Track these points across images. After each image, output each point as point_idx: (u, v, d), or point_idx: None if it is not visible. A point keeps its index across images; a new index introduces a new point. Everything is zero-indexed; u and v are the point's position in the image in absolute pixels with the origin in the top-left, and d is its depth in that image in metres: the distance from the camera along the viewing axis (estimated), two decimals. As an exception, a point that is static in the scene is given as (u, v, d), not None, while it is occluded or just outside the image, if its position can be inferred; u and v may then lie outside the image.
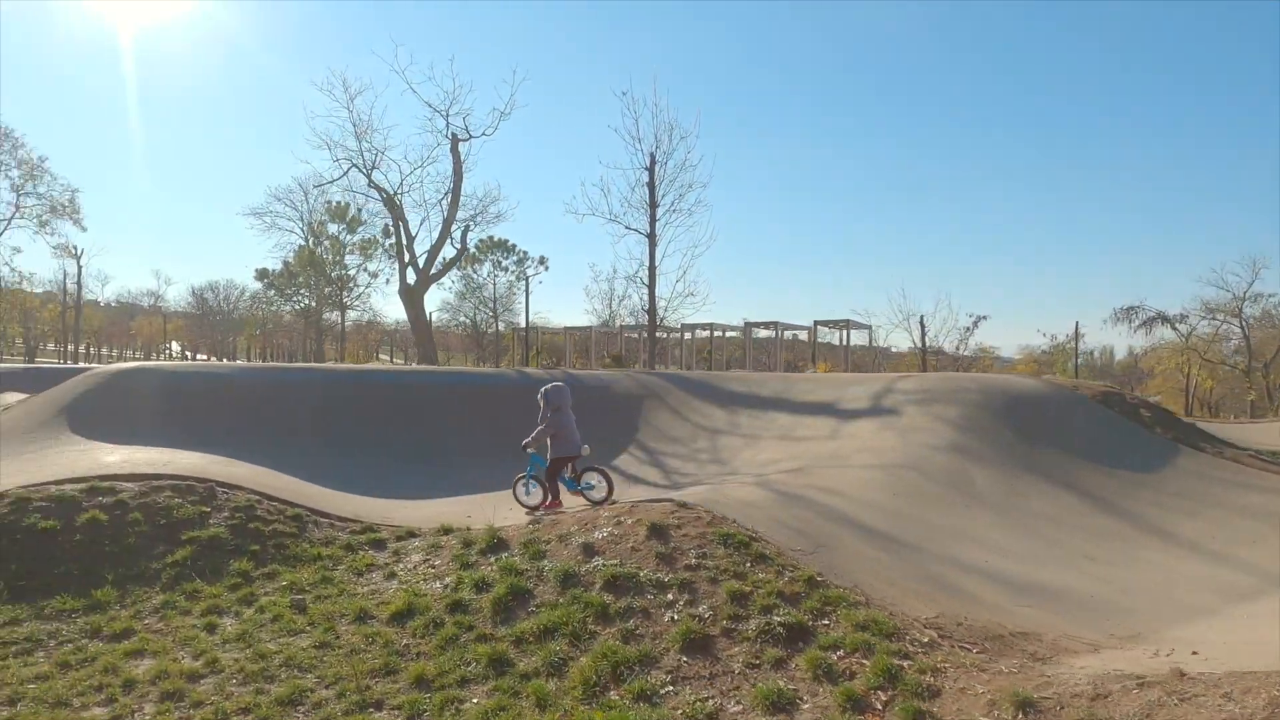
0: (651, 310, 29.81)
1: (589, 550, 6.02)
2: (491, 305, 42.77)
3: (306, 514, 7.84)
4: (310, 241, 42.22)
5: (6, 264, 33.29)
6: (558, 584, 5.68)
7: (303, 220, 50.37)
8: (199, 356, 79.40)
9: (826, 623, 4.75)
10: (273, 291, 44.56)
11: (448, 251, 27.25)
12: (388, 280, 44.06)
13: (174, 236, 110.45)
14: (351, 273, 43.53)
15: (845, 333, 37.13)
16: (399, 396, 12.37)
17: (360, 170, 25.51)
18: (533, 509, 8.00)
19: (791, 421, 10.12)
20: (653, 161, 30.09)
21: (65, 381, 10.87)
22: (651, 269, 29.39)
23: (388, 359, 75.57)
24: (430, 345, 25.89)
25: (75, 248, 35.33)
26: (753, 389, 11.59)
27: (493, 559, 6.43)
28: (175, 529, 6.95)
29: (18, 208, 31.71)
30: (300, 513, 7.80)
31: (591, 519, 6.61)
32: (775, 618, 4.75)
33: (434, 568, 6.63)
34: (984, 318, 30.83)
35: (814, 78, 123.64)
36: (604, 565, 5.72)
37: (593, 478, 7.89)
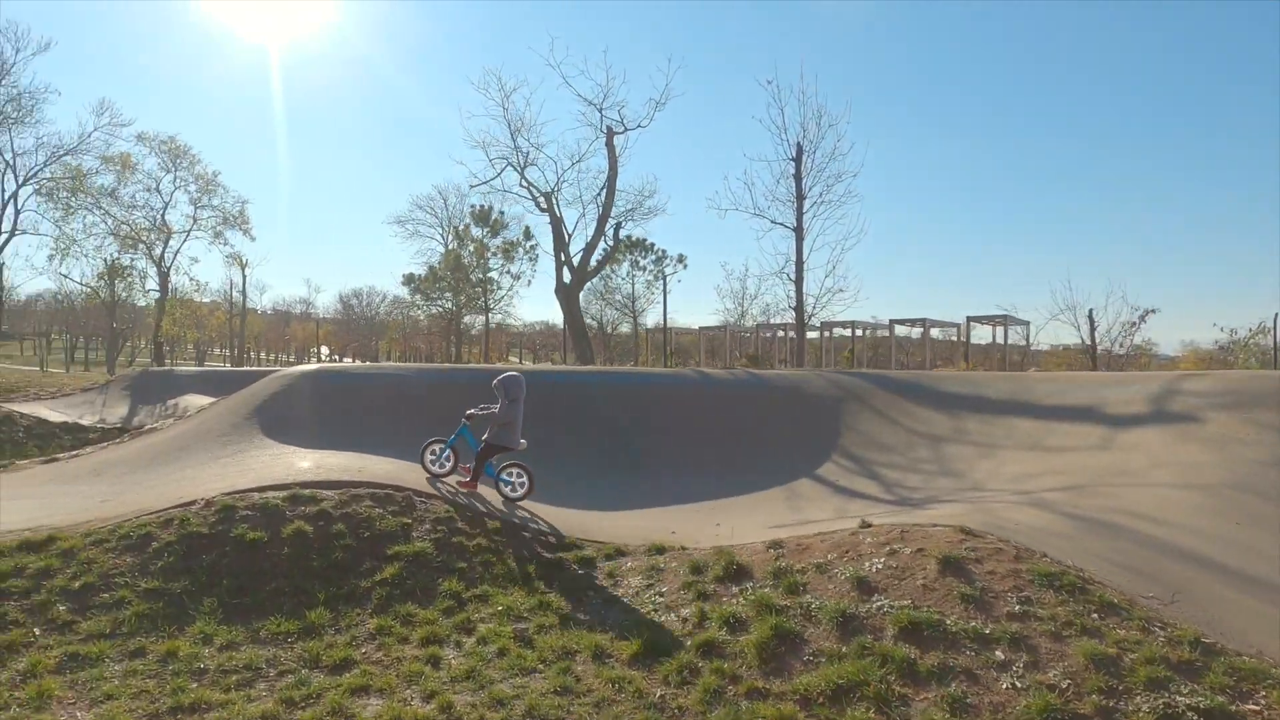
0: (799, 307, 28.40)
1: (864, 586, 4.98)
2: (628, 305, 42.38)
3: (506, 527, 7.20)
4: (455, 244, 43.24)
5: (186, 273, 35.73)
6: (834, 628, 4.67)
7: (442, 226, 52.09)
8: (345, 359, 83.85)
9: (1256, 708, 3.50)
10: (418, 295, 45.94)
11: (593, 248, 26.76)
12: (529, 282, 44.53)
13: (323, 247, 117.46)
14: (494, 275, 44.26)
15: (1003, 329, 34.35)
16: (577, 398, 11.74)
17: (515, 168, 25.45)
18: (437, 477, 7.99)
19: (1037, 428, 8.72)
20: (799, 152, 28.64)
21: (254, 383, 10.86)
22: (799, 264, 27.98)
23: (516, 360, 77.11)
24: (587, 345, 25.49)
25: (243, 257, 37.62)
26: (977, 390, 10.20)
27: (736, 589, 5.50)
28: (379, 543, 6.41)
29: (195, 220, 34.01)
30: (499, 525, 7.16)
31: (851, 545, 5.56)
32: (1179, 698, 3.54)
33: (661, 595, 5.77)
34: (1152, 311, 27.53)
35: (969, 61, 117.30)
36: (892, 607, 4.66)
37: (513, 473, 7.93)
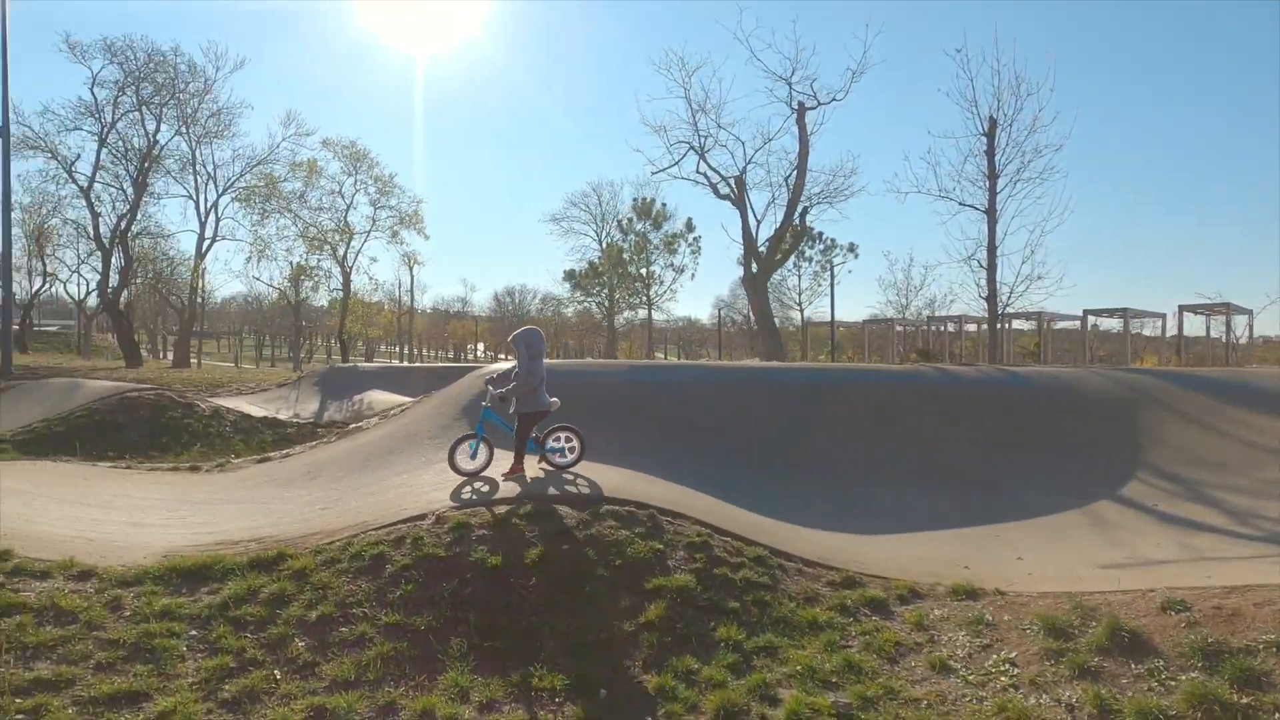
0: (991, 296, 25.75)
1: (1384, 687, 3.40)
2: (794, 297, 40.62)
3: (768, 554, 6.02)
4: (617, 238, 42.90)
5: (365, 272, 37.21)
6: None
7: (596, 222, 52.32)
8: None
9: None
10: (578, 291, 46.14)
11: (782, 235, 24.88)
12: (692, 275, 43.49)
13: (479, 247, 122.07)
14: (656, 270, 43.68)
15: (1225, 319, 29.99)
16: (794, 399, 10.45)
17: (696, 152, 24.39)
18: (473, 474, 6.92)
19: None
20: (992, 126, 25.93)
21: (457, 382, 10.34)
22: (990, 249, 25.33)
23: (661, 356, 76.67)
24: (776, 340, 24.03)
25: (418, 255, 38.85)
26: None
27: (1139, 669, 4.04)
28: (635, 574, 5.39)
29: (374, 221, 35.46)
30: (761, 553, 5.99)
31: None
32: None
33: (1014, 666, 4.39)
34: None
35: (1186, 19, 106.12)
36: None
37: (559, 438, 7.04)
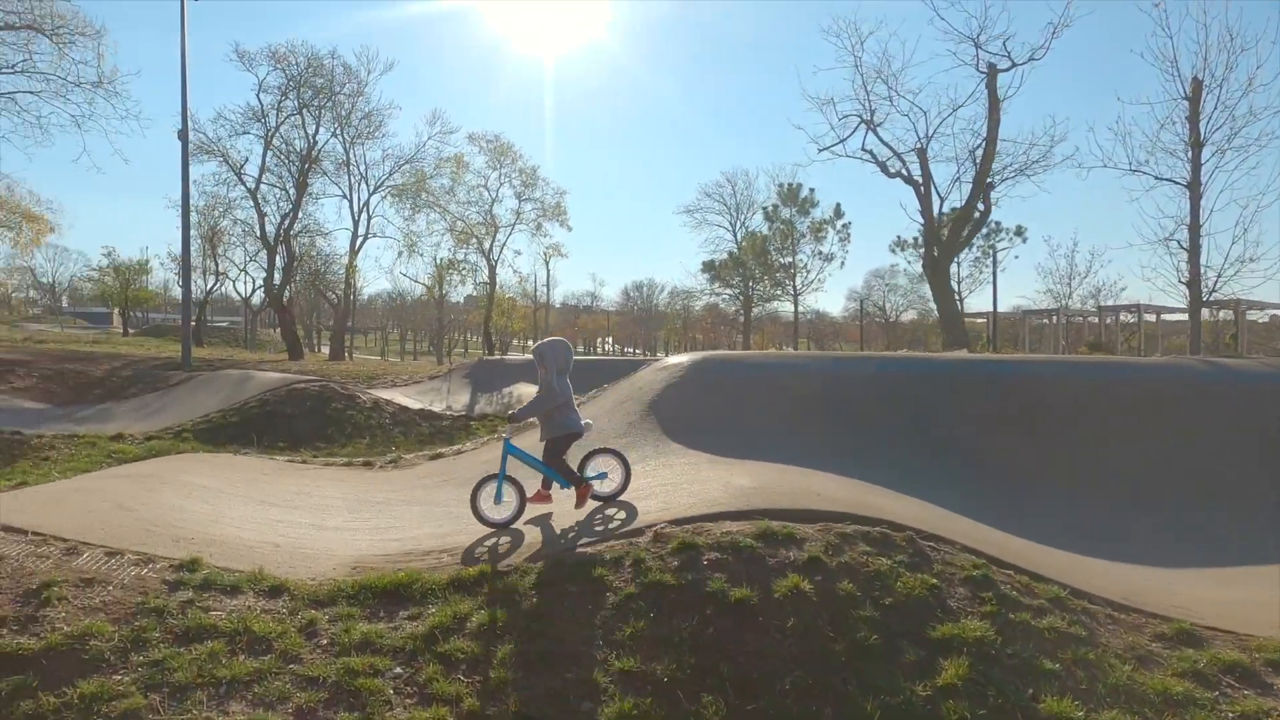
0: (1194, 281, 22.83)
1: None
2: (953, 285, 37.82)
3: (1066, 594, 4.76)
4: (757, 227, 41.37)
5: (509, 265, 37.34)
6: None
7: (730, 213, 51.06)
8: (629, 350, 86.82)
9: None
10: (717, 283, 45.05)
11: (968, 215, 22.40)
12: (842, 263, 41.40)
13: (607, 243, 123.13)
14: (803, 258, 41.97)
15: None
16: (1007, 395, 8.99)
17: (867, 125, 22.73)
18: (503, 525, 5.75)
19: None
20: (1196, 87, 22.91)
21: (635, 375, 9.53)
22: (1193, 228, 22.39)
23: (789, 350, 74.30)
24: (960, 329, 21.99)
25: (561, 247, 38.69)
26: None
27: None
28: (910, 617, 4.28)
29: (519, 214, 35.71)
30: (1059, 593, 4.74)
31: None
32: None
33: None
34: None
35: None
36: None
37: (602, 463, 6.08)
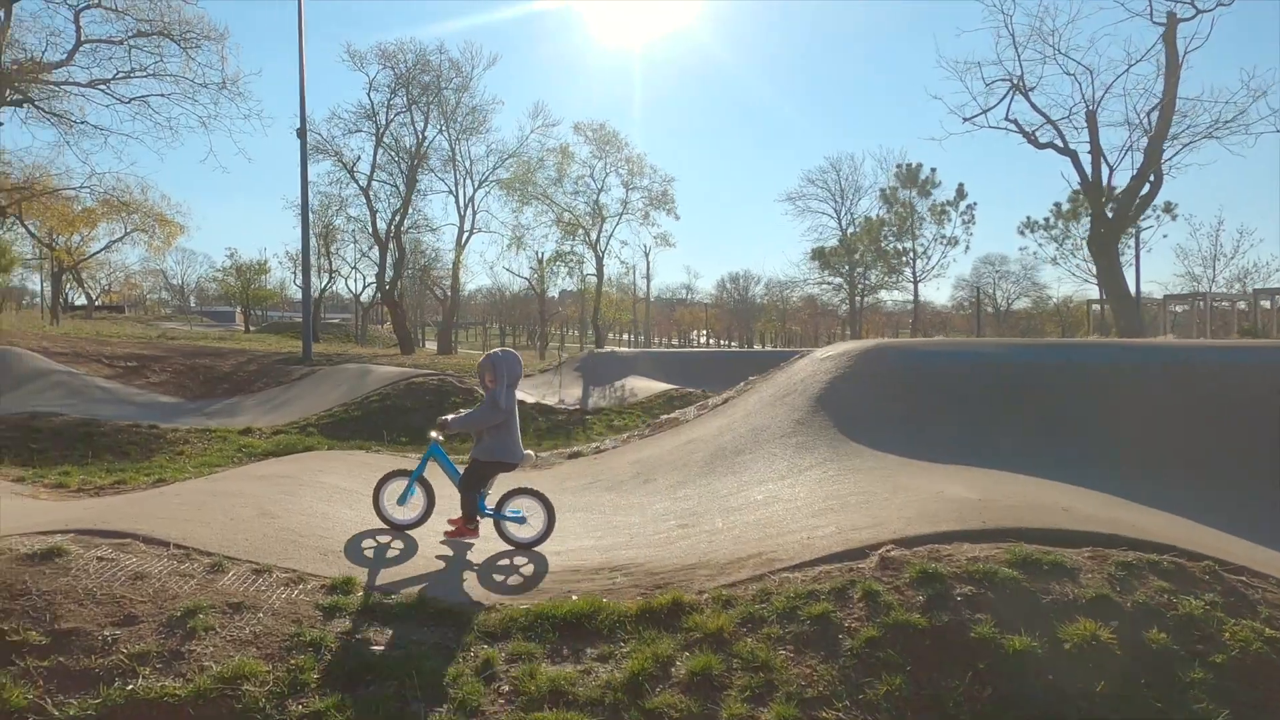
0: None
1: None
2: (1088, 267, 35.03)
3: None
4: (870, 211, 39.29)
5: (616, 256, 36.71)
6: None
7: (834, 199, 49.12)
8: (725, 343, 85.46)
9: None
10: (827, 270, 43.32)
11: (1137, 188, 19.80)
12: (966, 248, 38.98)
13: (701, 235, 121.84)
14: (923, 244, 39.75)
15: None
16: (1245, 388, 7.61)
17: (1019, 90, 20.83)
18: (402, 528, 5.22)
19: None
20: None
21: (793, 364, 8.62)
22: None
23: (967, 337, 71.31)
24: (1134, 310, 19.73)
25: (668, 236, 37.63)
26: None
27: None
28: (1252, 682, 3.24)
29: (625, 203, 35.14)
30: None
31: None
32: None
33: None
34: None
35: None
36: None
37: (523, 504, 5.20)
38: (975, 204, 38.66)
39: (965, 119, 21.46)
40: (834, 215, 49.09)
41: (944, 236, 38.56)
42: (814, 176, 50.11)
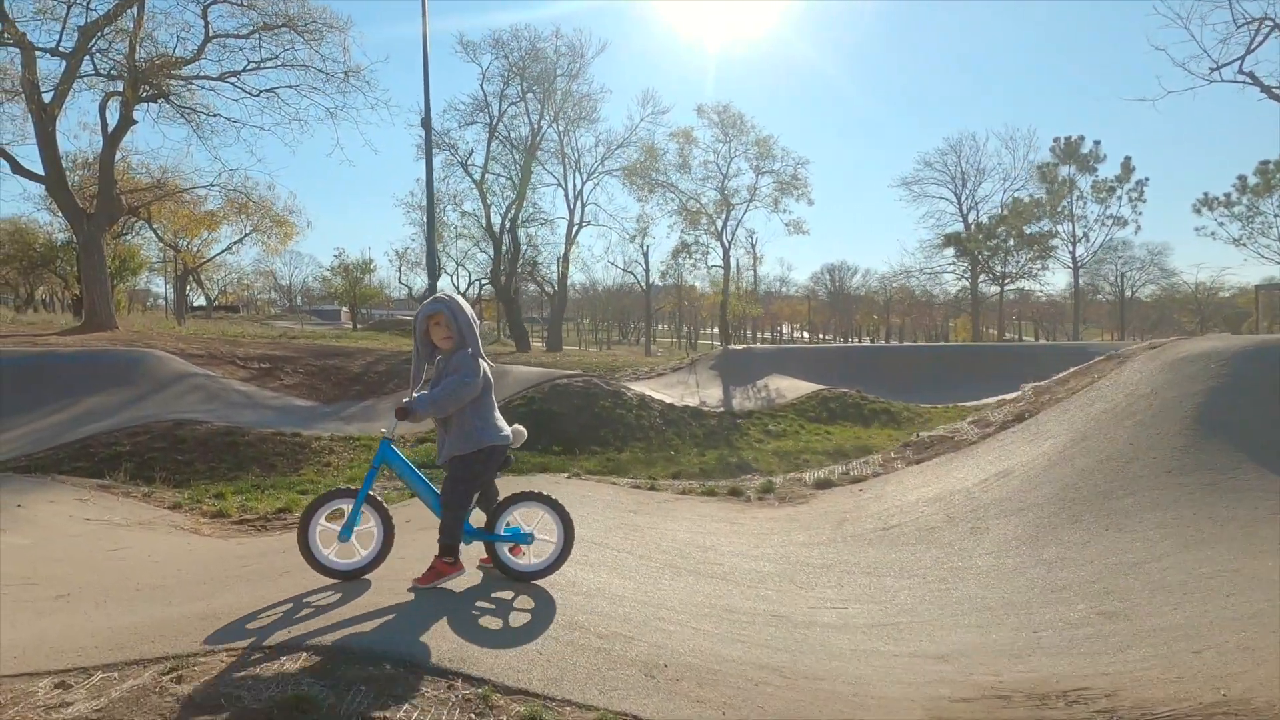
0: None
1: None
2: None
3: None
4: (1011, 193, 35.81)
5: (743, 246, 34.41)
6: None
7: (954, 182, 45.90)
8: (822, 337, 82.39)
9: None
10: (963, 257, 40.26)
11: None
12: (1136, 228, 35.22)
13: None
14: (1085, 227, 36.14)
15: None
16: None
17: None
18: (347, 575, 3.63)
19: None
20: None
21: (1121, 367, 6.73)
22: None
23: (1018, 338, 66.64)
24: None
25: (802, 223, 35.03)
26: None
27: None
28: None
29: (754, 189, 33.18)
30: None
31: None
32: None
33: None
34: None
35: None
36: None
37: (525, 515, 3.74)
38: (1146, 179, 34.80)
39: (1212, 69, 18.64)
40: (954, 199, 45.96)
41: (1109, 217, 34.96)
42: (931, 159, 47.05)
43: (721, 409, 17.56)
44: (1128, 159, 34.17)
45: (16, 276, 46.73)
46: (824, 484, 6.55)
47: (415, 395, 3.64)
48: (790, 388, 19.46)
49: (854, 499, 6.05)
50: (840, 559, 4.82)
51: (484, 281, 48.46)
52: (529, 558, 3.76)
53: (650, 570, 4.38)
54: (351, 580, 3.64)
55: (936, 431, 7.08)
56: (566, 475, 7.22)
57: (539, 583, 3.71)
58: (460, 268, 47.85)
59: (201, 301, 62.85)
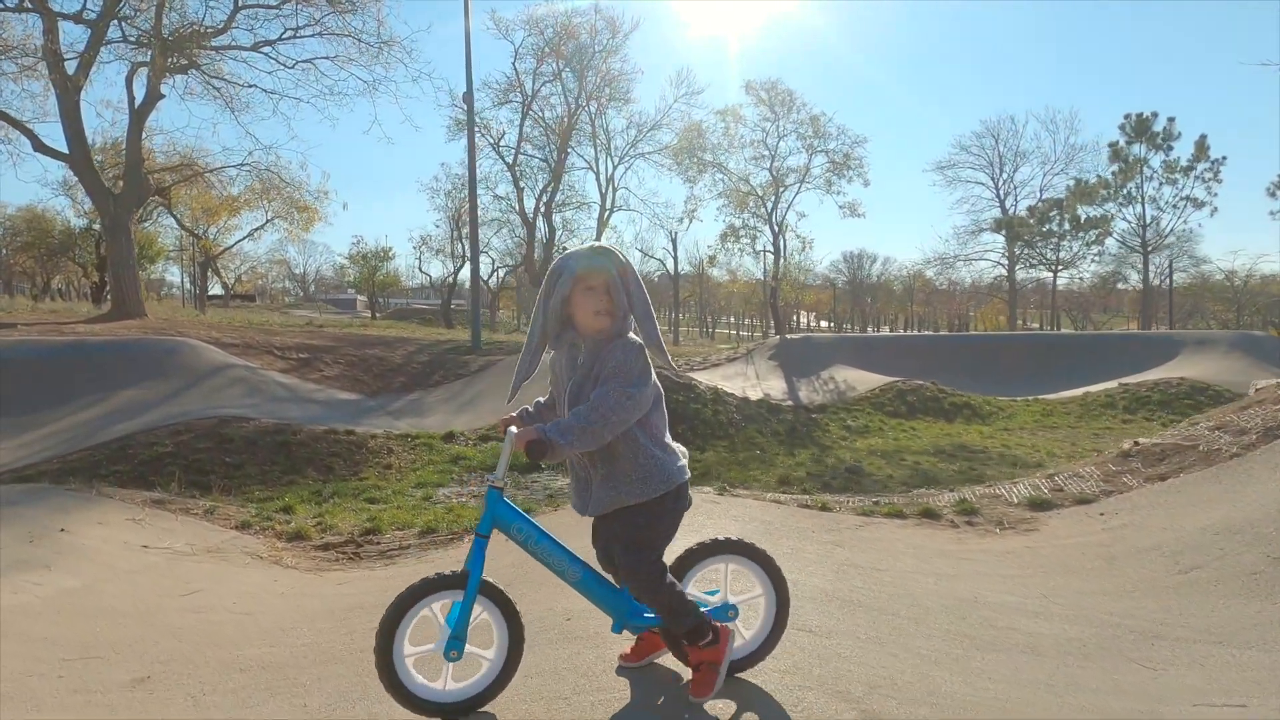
0: None
1: None
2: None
3: None
4: (1036, 176, 34.19)
5: (793, 230, 32.72)
6: None
7: (992, 167, 44.29)
8: (846, 327, 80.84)
9: None
10: (1019, 243, 38.57)
11: None
12: (1213, 211, 33.44)
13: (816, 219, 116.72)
14: (1155, 210, 34.33)
15: None
16: None
17: None
18: (459, 709, 2.24)
19: None
20: None
21: None
22: None
23: (1042, 327, 64.99)
24: None
25: (858, 205, 32.99)
26: None
27: None
28: None
29: (807, 170, 31.54)
30: None
31: None
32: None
33: None
34: None
35: None
36: None
37: (723, 572, 2.53)
38: (1224, 159, 32.84)
39: None
40: (991, 184, 44.30)
41: (1185, 199, 33.11)
42: (967, 143, 45.38)
43: (790, 402, 16.36)
44: (1203, 137, 32.42)
45: (33, 265, 45.92)
46: (1040, 504, 5.34)
47: (550, 425, 2.29)
48: (859, 379, 18.23)
49: (1100, 526, 4.84)
50: (1159, 619, 3.61)
51: (505, 269, 47.36)
52: (744, 639, 2.54)
53: (931, 642, 3.17)
54: (462, 716, 2.30)
55: (1165, 439, 5.84)
56: (715, 489, 6.01)
57: (745, 674, 2.50)
58: (484, 253, 46.69)
59: (218, 290, 61.88)
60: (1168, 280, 56.63)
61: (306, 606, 4.12)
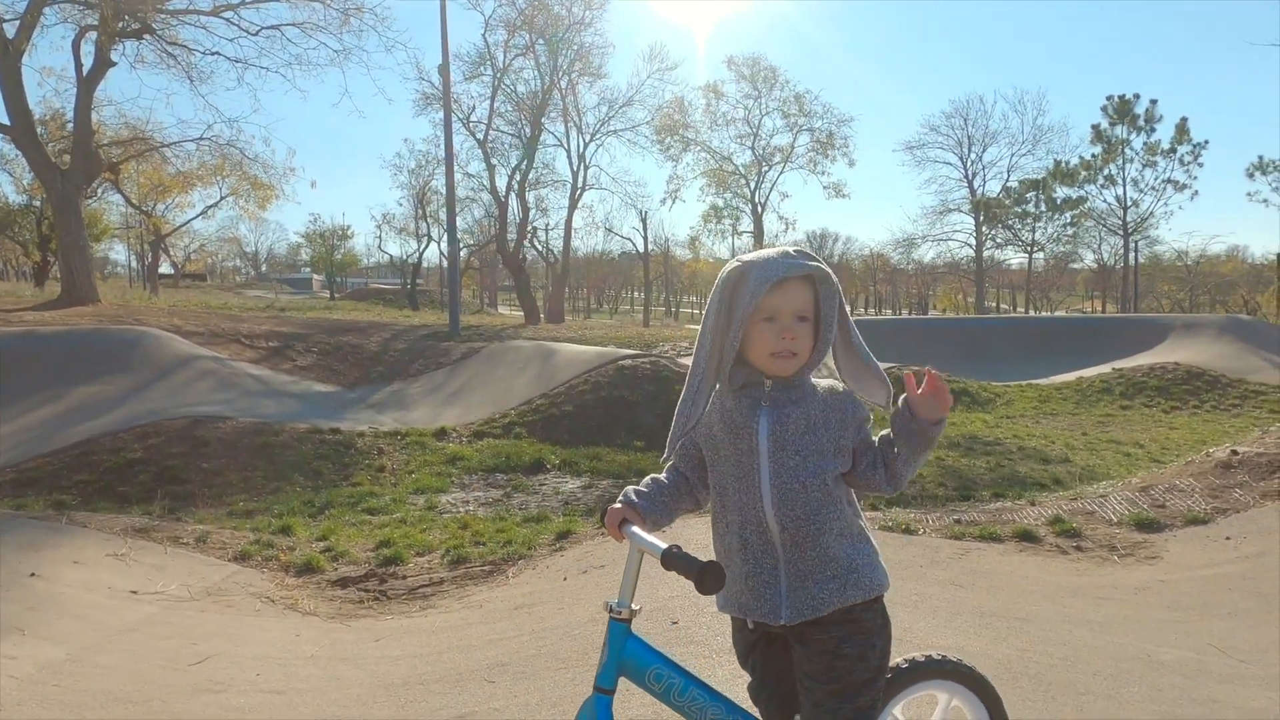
0: None
1: None
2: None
3: None
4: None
5: (775, 211, 31.92)
6: None
7: (961, 147, 44.22)
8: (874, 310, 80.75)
9: None
10: (995, 226, 38.48)
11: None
12: (1194, 194, 33.62)
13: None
14: (1138, 193, 34.21)
15: None
16: None
17: None
18: None
19: None
20: None
21: None
22: None
23: (997, 308, 65.63)
24: None
25: (842, 186, 32.39)
26: None
27: None
28: None
29: (791, 148, 30.84)
30: None
31: None
32: None
33: None
34: None
35: None
36: None
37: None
38: (1206, 143, 33.01)
39: None
40: (960, 165, 44.25)
41: (1167, 181, 33.26)
42: (935, 124, 45.22)
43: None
44: (1184, 119, 32.62)
45: (-32, 244, 43.31)
46: (1147, 524, 4.85)
47: (642, 493, 1.70)
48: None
49: (1232, 554, 4.35)
50: None
51: (467, 248, 46.03)
52: None
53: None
54: None
55: (1268, 447, 5.41)
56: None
57: None
58: (446, 233, 45.36)
59: (167, 269, 59.25)
60: (1124, 260, 57.38)
61: (346, 677, 3.43)
